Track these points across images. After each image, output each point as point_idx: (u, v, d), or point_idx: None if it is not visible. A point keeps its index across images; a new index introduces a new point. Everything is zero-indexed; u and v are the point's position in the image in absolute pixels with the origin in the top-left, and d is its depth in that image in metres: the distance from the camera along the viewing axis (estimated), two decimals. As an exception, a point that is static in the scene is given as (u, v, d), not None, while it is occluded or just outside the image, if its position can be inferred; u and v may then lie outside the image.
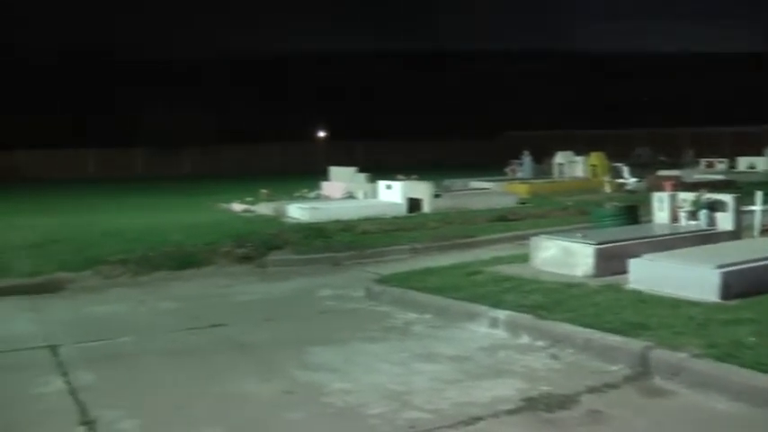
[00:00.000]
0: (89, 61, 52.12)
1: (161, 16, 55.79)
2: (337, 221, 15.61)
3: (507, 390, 6.02)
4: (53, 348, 7.85)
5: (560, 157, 27.74)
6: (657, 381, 6.10)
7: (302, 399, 6.00)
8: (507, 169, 30.30)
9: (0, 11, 49.75)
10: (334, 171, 23.12)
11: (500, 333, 7.67)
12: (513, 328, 7.62)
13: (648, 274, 8.63)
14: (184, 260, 12.53)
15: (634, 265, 8.86)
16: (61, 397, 6.27)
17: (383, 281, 10.16)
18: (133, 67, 52.08)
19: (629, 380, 6.15)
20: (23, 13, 51.80)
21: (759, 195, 12.07)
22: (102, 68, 52.09)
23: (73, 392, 6.35)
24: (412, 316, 8.69)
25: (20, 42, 50.08)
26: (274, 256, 13.00)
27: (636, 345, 6.51)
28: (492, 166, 31.32)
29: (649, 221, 12.35)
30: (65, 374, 6.87)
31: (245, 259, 12.82)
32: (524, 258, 10.67)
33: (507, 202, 19.13)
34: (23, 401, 6.20)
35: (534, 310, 7.80)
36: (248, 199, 20.60)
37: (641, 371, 6.26)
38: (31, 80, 49.25)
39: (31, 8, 51.97)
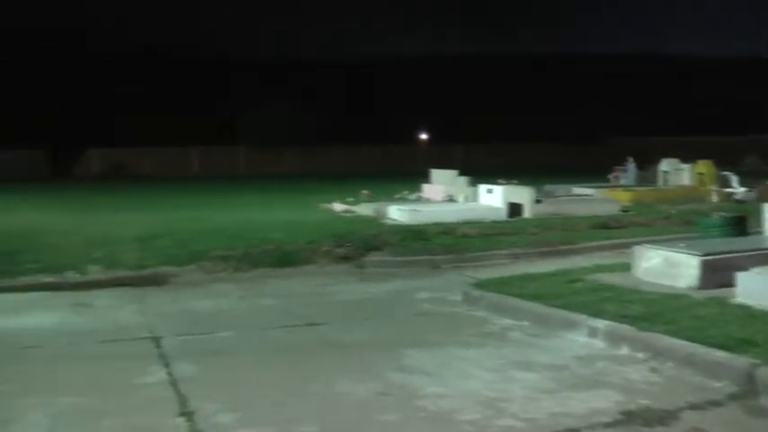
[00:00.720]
0: (197, 61, 53.35)
1: (270, 17, 56.71)
2: (437, 224, 15.59)
3: (605, 402, 5.90)
4: (156, 340, 8.07)
5: (665, 165, 27.03)
6: (764, 400, 5.89)
7: (396, 401, 6.00)
8: (610, 176, 29.73)
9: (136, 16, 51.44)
10: (435, 174, 23.10)
11: (599, 343, 7.53)
12: (613, 338, 7.47)
13: (758, 288, 8.33)
14: (284, 258, 12.72)
15: (742, 278, 8.56)
16: (162, 387, 6.43)
17: (481, 285, 10.09)
18: (240, 67, 53.06)
19: (733, 398, 5.94)
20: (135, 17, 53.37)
21: None
22: (212, 68, 53.23)
23: (174, 384, 6.51)
24: (509, 322, 8.61)
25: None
26: (373, 257, 13.07)
27: (742, 362, 6.28)
28: (594, 171, 30.78)
29: (759, 233, 11.92)
30: (167, 366, 7.05)
31: (344, 259, 12.93)
32: (626, 267, 10.44)
33: (610, 209, 18.76)
34: (127, 390, 6.38)
35: (635, 321, 7.62)
36: (349, 199, 20.78)
37: (747, 389, 6.03)
38: (143, 80, 50.72)
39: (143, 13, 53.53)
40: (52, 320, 9.27)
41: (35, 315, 9.58)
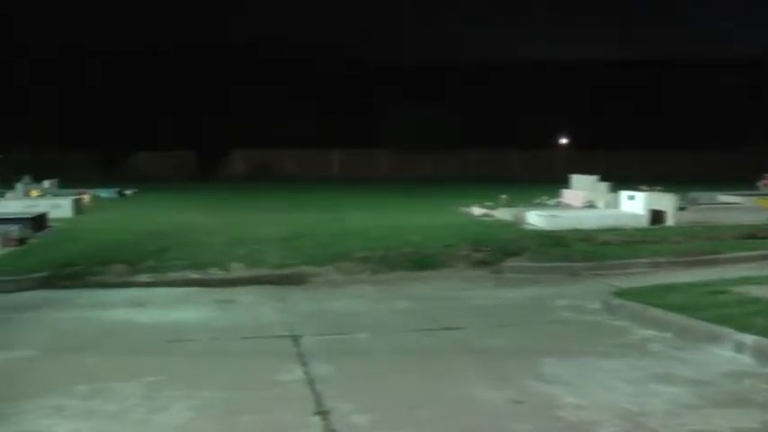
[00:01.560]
0: (339, 63, 54.16)
1: (411, 21, 57.03)
2: (576, 230, 15.32)
3: (751, 422, 5.64)
4: (295, 338, 8.23)
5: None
6: None
7: (532, 410, 5.92)
8: (759, 183, 28.48)
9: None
10: (575, 179, 22.71)
11: (745, 359, 7.21)
12: (761, 354, 7.13)
13: None
14: (422, 261, 12.76)
15: None
16: (300, 386, 6.56)
17: (621, 294, 9.84)
18: (381, 69, 53.55)
19: None
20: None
21: None
22: (354, 70, 53.94)
23: (310, 382, 6.62)
24: (650, 333, 8.36)
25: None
26: (511, 263, 12.95)
27: None
28: (741, 178, 29.54)
29: None
30: (304, 364, 7.18)
31: (482, 264, 12.87)
32: (776, 280, 9.99)
33: (758, 218, 17.94)
34: (265, 387, 6.54)
35: (786, 337, 7.27)
36: (488, 203, 20.68)
37: None
38: (286, 82, 51.89)
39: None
40: (197, 316, 9.60)
41: (181, 310, 9.95)
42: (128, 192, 30.03)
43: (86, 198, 24.10)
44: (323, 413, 5.83)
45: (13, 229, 14.95)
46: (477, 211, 19.93)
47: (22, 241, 14.71)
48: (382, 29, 55.75)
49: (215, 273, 12.12)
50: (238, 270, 12.26)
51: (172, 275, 11.97)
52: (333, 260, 12.66)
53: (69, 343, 8.25)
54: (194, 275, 11.99)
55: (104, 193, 28.20)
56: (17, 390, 6.49)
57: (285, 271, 12.21)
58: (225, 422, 5.72)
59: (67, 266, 12.21)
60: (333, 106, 51.11)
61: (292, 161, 49.76)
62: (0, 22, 46.72)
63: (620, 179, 22.25)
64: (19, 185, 23.75)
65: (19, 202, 21.25)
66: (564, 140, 56.67)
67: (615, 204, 18.94)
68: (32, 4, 49.00)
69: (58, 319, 9.45)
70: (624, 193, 18.61)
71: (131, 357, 7.61)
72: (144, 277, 11.93)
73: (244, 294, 10.94)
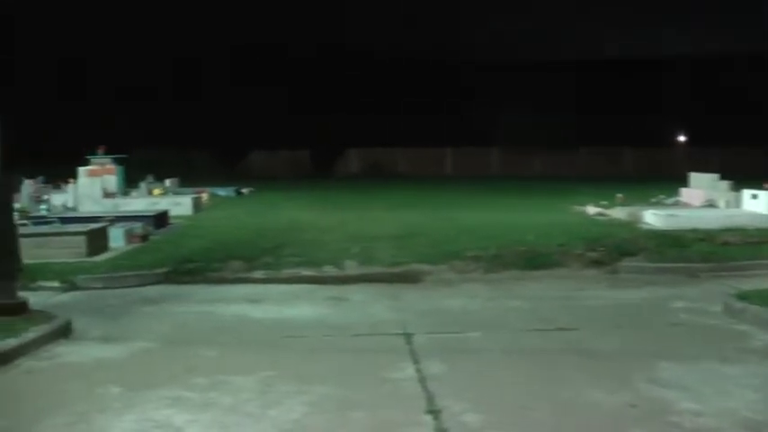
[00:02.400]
0: (444, 63, 54.03)
1: (528, 18, 56.41)
2: (695, 230, 14.87)
3: None
4: (407, 336, 8.27)
5: None
6: None
7: (646, 414, 5.78)
8: None
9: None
10: (694, 177, 22.06)
11: None
12: None
13: None
14: (535, 260, 12.63)
15: None
16: (411, 384, 6.58)
17: (744, 297, 9.49)
18: (490, 68, 53.15)
19: None
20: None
21: None
22: (466, 70, 53.74)
23: (422, 381, 6.64)
24: (774, 338, 8.06)
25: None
26: (626, 263, 12.67)
27: None
28: None
29: None
30: (416, 362, 7.20)
31: (596, 264, 12.64)
32: None
33: None
34: (376, 384, 6.59)
35: None
36: (602, 202, 20.31)
37: None
38: (396, 82, 52.15)
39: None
40: (310, 312, 9.75)
41: (295, 306, 10.12)
42: (245, 190, 30.69)
43: (205, 196, 24.76)
44: (434, 412, 5.83)
45: (137, 227, 15.49)
46: (591, 209, 19.58)
47: (144, 238, 15.23)
48: (492, 27, 55.35)
49: (329, 270, 12.28)
50: (352, 268, 12.38)
51: (287, 272, 12.18)
52: (445, 259, 12.64)
53: (188, 336, 8.51)
54: (308, 272, 12.17)
55: (222, 192, 28.90)
56: (140, 380, 6.73)
57: (398, 269, 12.27)
58: (336, 418, 5.79)
59: (187, 262, 12.58)
60: (445, 105, 51.06)
61: (405, 160, 49.92)
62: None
63: (740, 178, 21.50)
64: (142, 184, 24.58)
65: (142, 201, 22.01)
66: (681, 138, 55.09)
67: (736, 204, 18.33)
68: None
69: (178, 313, 9.75)
70: (747, 192, 17.98)
71: (247, 352, 7.80)
72: (259, 274, 12.18)
73: (357, 292, 11.05)
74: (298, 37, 52.25)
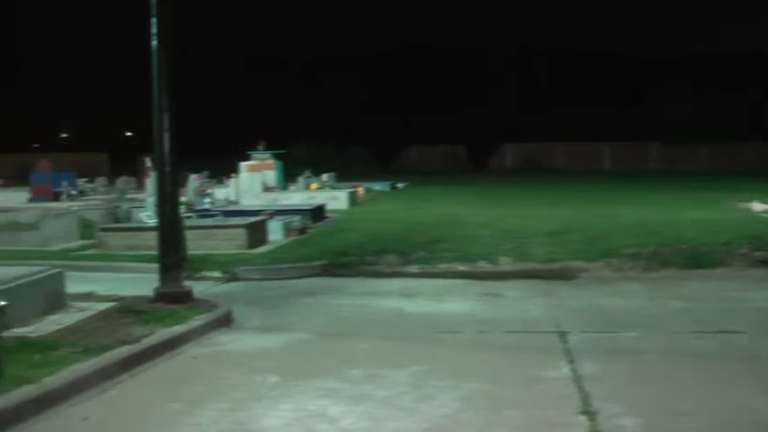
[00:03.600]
0: (605, 55, 52.80)
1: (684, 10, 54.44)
2: None
3: None
4: (562, 335, 8.13)
5: None
6: None
7: (819, 424, 5.48)
8: None
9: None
10: None
11: None
12: None
13: None
14: (696, 259, 12.17)
15: None
16: (565, 383, 6.47)
17: None
18: (649, 62, 51.53)
19: None
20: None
21: None
22: (625, 63, 52.35)
23: (577, 380, 6.51)
24: None
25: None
26: (796, 264, 12.04)
27: None
28: None
29: None
30: (571, 362, 7.07)
31: (763, 263, 12.06)
32: None
33: None
34: (529, 382, 6.51)
35: None
36: (769, 199, 19.41)
37: None
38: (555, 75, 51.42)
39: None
40: (464, 308, 9.73)
41: (449, 301, 10.13)
42: (400, 185, 30.99)
43: (361, 191, 25.15)
44: (589, 413, 5.71)
45: (295, 220, 15.91)
46: (757, 206, 18.71)
47: (302, 231, 15.62)
48: (657, 19, 53.73)
49: (483, 266, 12.22)
50: (506, 263, 12.29)
51: (441, 267, 12.20)
52: (602, 256, 12.36)
53: (343, 329, 8.67)
54: (462, 268, 12.15)
55: (378, 186, 29.28)
56: (296, 370, 6.91)
57: (553, 266, 12.08)
58: (489, 415, 5.76)
59: (343, 256, 12.82)
60: (602, 99, 49.90)
61: (561, 155, 49.21)
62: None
63: None
64: (300, 179, 25.21)
65: (300, 195, 22.58)
66: None
67: None
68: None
69: (334, 306, 9.94)
70: None
71: (400, 346, 7.86)
72: (414, 268, 12.26)
73: (511, 288, 10.95)
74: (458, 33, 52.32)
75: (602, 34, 52.73)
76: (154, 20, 9.18)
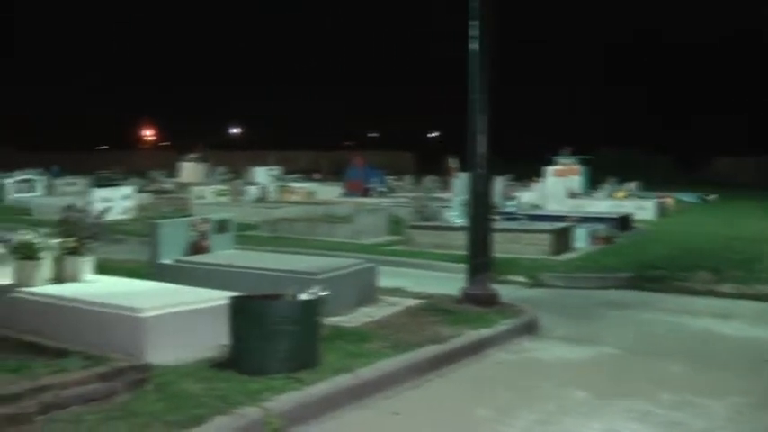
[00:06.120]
0: None
1: None
2: None
3: None
4: None
5: None
6: None
7: None
8: None
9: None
10: None
11: None
12: None
13: None
14: None
15: None
16: None
17: None
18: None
19: None
20: None
21: None
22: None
23: None
24: None
25: None
26: None
27: None
28: None
29: None
30: None
31: None
32: None
33: None
34: None
35: None
36: None
37: None
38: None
39: None
40: (788, 335, 8.95)
41: (769, 327, 9.36)
42: (710, 197, 29.42)
43: (670, 201, 24.09)
44: None
45: (601, 228, 15.49)
46: None
47: (608, 240, 15.18)
48: None
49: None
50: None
51: (759, 288, 11.31)
52: None
53: (653, 347, 8.27)
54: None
55: (686, 197, 27.95)
56: (604, 387, 6.67)
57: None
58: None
59: (651, 268, 12.30)
60: None
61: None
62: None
63: None
64: (605, 186, 24.59)
65: (605, 202, 21.99)
66: None
67: None
68: None
69: (643, 321, 9.51)
70: None
71: (716, 372, 7.33)
72: (728, 287, 11.44)
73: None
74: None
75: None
76: (474, 23, 9.26)
